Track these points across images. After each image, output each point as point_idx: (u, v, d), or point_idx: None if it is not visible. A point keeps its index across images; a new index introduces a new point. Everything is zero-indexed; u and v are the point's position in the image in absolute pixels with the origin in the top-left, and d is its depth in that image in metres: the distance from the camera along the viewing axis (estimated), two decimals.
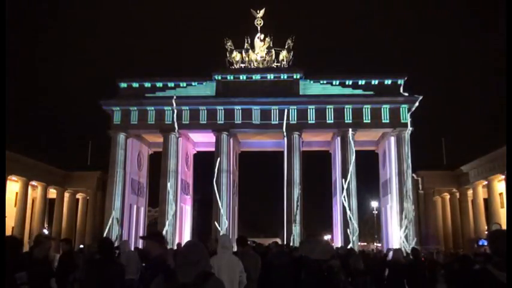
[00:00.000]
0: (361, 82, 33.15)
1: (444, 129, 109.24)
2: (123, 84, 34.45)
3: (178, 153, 33.89)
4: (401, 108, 32.61)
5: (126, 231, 33.50)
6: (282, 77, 33.73)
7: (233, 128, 33.41)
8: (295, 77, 33.59)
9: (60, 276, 9.53)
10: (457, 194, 41.57)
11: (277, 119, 32.85)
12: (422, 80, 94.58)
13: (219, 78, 33.95)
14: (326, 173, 39.42)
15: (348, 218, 31.26)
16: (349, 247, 24.67)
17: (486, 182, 35.44)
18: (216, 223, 31.68)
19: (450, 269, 14.65)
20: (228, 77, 33.94)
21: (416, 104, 32.62)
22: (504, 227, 28.13)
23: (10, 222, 35.88)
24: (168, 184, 32.70)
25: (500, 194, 34.94)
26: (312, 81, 33.74)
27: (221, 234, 26.85)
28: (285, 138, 33.04)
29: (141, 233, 35.83)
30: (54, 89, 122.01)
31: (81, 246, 34.65)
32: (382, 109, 32.49)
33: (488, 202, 35.84)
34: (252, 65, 34.40)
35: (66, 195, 43.30)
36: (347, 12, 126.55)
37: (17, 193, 38.22)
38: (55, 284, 7.27)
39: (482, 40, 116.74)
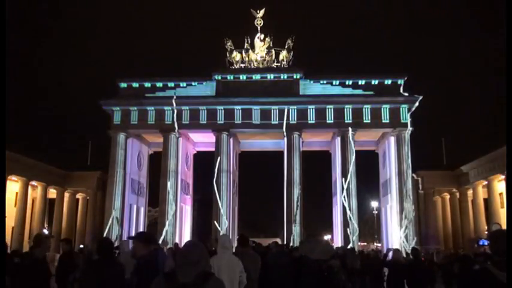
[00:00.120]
0: (361, 82, 33.15)
1: (444, 129, 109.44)
2: (123, 84, 34.46)
3: (178, 153, 33.91)
4: (401, 108, 32.61)
5: (126, 231, 33.49)
6: (282, 77, 33.73)
7: (233, 128, 33.41)
8: (295, 77, 33.59)
9: (60, 276, 9.52)
10: (457, 194, 41.57)
11: (277, 119, 32.85)
12: (422, 80, 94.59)
13: (219, 78, 33.95)
14: (326, 173, 39.51)
15: (348, 218, 31.25)
16: (349, 247, 24.62)
17: (486, 182, 35.45)
18: (216, 223, 31.69)
19: (447, 270, 14.70)
20: (228, 77, 33.94)
21: (416, 104, 32.63)
22: (504, 227, 28.13)
23: (10, 222, 35.88)
24: (168, 184, 32.70)
25: (500, 194, 34.93)
26: (312, 81, 33.74)
27: (221, 234, 26.86)
28: (285, 138, 33.04)
29: None
30: (54, 89, 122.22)
31: (81, 246, 34.64)
32: (382, 109, 32.49)
33: (488, 202, 35.84)
34: (252, 65, 34.40)
35: (66, 195, 43.32)
36: (347, 12, 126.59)
37: (17, 193, 38.24)
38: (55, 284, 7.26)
39: (482, 40, 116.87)
